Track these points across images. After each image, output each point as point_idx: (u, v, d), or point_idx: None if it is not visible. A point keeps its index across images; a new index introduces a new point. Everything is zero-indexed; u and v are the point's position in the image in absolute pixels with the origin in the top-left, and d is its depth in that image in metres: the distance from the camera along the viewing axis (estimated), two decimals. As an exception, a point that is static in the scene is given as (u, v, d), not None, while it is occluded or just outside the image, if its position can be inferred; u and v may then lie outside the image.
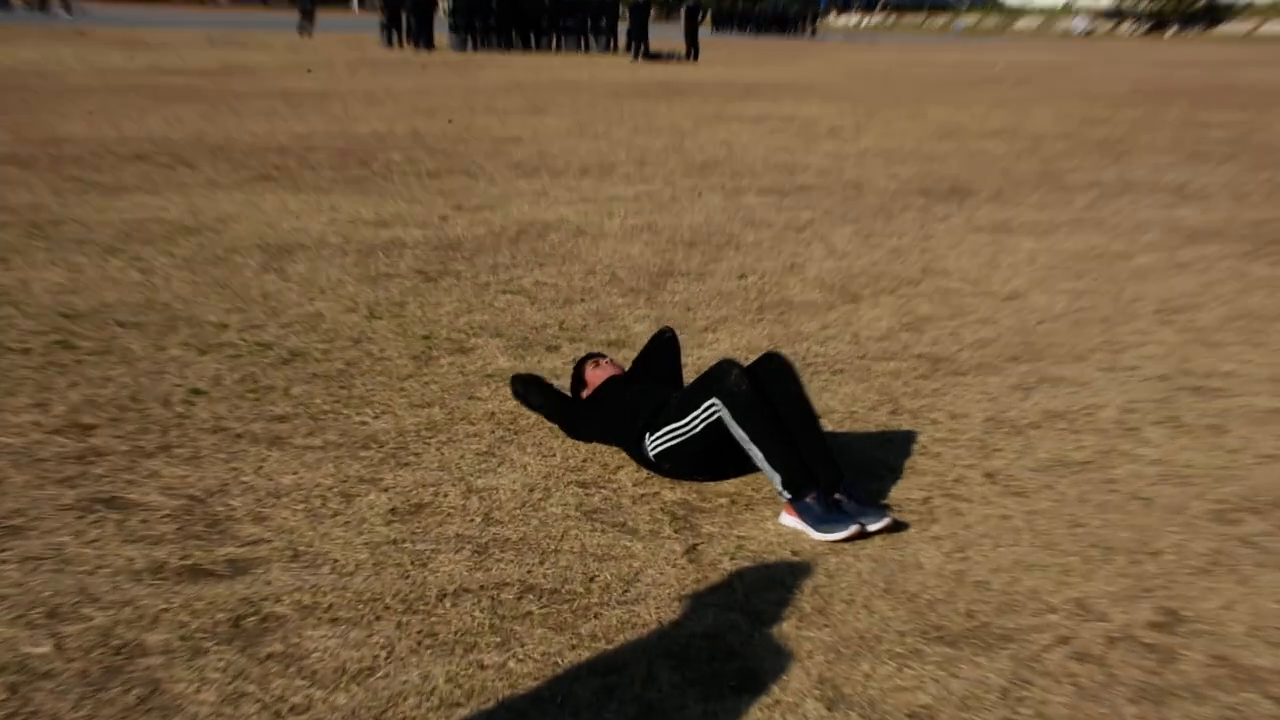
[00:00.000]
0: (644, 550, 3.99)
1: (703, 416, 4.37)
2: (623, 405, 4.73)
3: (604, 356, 5.17)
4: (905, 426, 5.20)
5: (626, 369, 5.13)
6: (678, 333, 5.37)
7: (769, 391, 4.37)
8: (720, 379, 4.34)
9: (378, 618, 3.54)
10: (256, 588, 3.69)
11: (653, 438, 4.53)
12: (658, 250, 8.71)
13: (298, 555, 3.91)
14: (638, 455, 4.66)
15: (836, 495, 4.21)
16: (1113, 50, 52.86)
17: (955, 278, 7.92)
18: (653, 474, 4.62)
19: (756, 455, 4.26)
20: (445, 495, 4.39)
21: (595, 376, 5.01)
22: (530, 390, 5.13)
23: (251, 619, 3.52)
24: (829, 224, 9.75)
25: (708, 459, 4.53)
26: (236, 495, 4.34)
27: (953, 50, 42.10)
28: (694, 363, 6.03)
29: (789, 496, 4.19)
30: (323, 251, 8.38)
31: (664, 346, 5.16)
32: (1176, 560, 3.97)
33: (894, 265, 8.26)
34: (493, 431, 5.05)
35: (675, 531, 4.15)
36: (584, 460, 4.78)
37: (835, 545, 4.04)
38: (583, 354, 5.43)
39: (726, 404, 4.28)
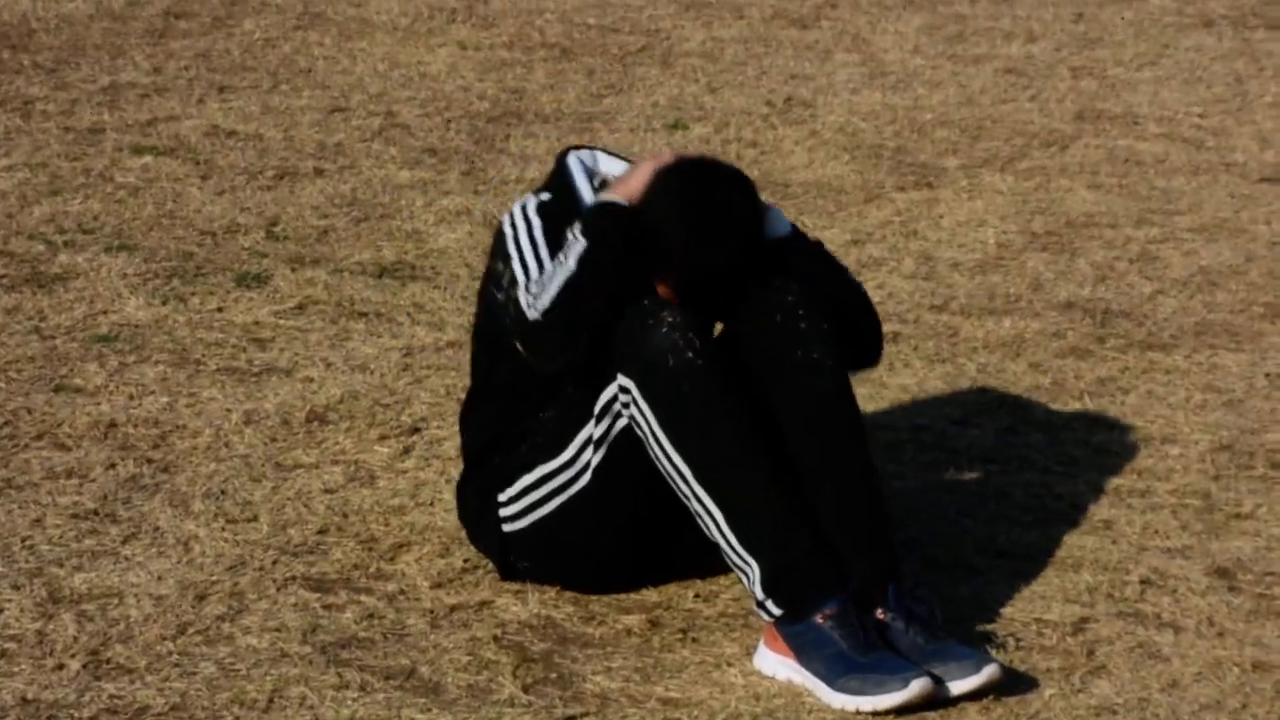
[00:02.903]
0: (454, 734, 4.04)
1: (596, 438, 4.39)
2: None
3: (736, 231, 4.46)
4: (1036, 459, 5.29)
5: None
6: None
7: (758, 369, 4.40)
8: (637, 333, 4.29)
9: None
10: None
11: (506, 497, 4.55)
12: (489, 63, 8.70)
13: None
14: (475, 529, 4.68)
15: (880, 613, 4.28)
16: None
17: (1151, 132, 8.03)
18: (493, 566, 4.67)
19: (708, 514, 4.29)
20: (1, 607, 4.37)
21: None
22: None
23: None
24: (870, 9, 9.83)
25: (613, 545, 4.55)
26: None
27: None
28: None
29: (776, 613, 4.24)
30: None
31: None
32: None
33: (1015, 103, 8.35)
34: (112, 464, 5.05)
35: (525, 689, 4.17)
36: (320, 529, 4.80)
37: (880, 722, 4.14)
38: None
39: (648, 390, 4.27)
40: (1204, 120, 8.21)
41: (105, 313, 5.96)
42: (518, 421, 4.60)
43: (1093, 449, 5.36)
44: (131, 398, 5.41)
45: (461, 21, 9.33)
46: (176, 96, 8.01)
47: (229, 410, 5.32)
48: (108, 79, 8.16)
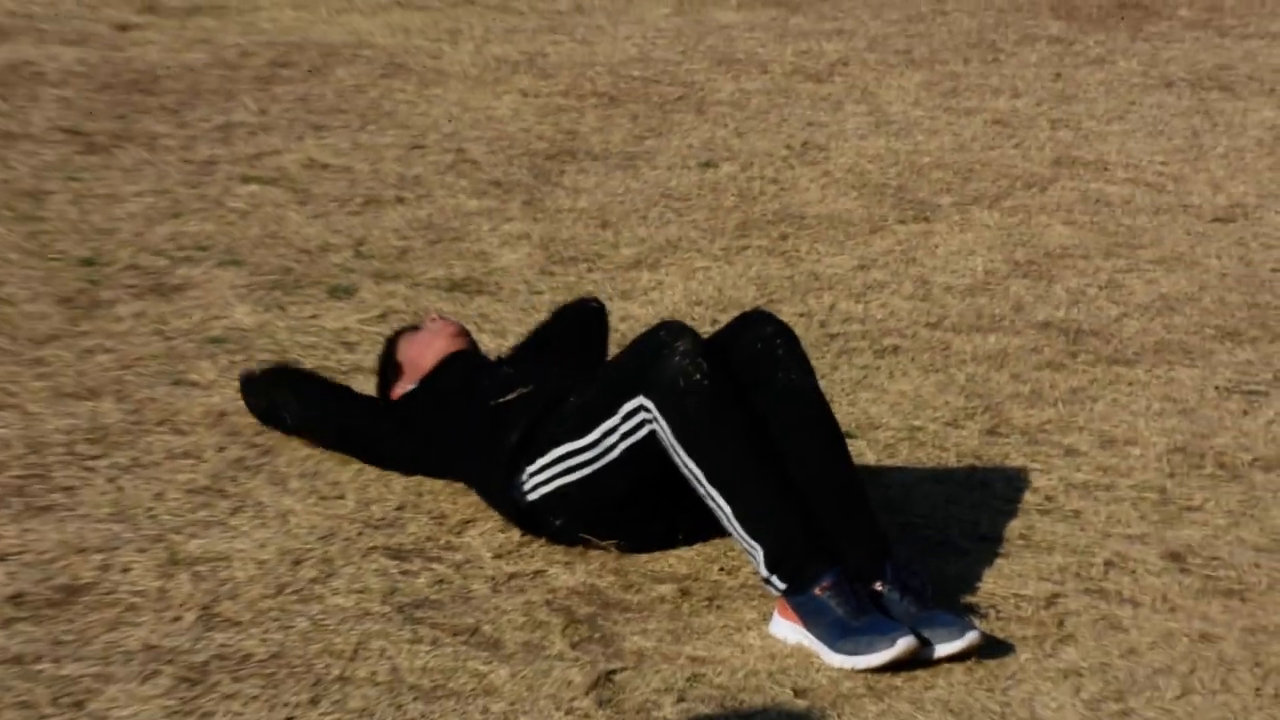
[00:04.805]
0: (513, 681, 4.04)
1: (622, 431, 4.45)
2: (473, 409, 4.79)
3: (439, 319, 5.24)
4: (1015, 460, 5.30)
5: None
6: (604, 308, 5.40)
7: (748, 390, 4.46)
8: (655, 360, 4.40)
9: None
10: None
11: (532, 470, 4.60)
12: (547, 108, 8.73)
13: None
14: (501, 500, 4.72)
15: (878, 585, 4.31)
16: None
17: (1119, 177, 8.04)
18: (529, 535, 4.69)
19: (720, 508, 4.35)
20: (125, 570, 4.41)
21: (420, 350, 5.07)
22: (283, 395, 5.14)
23: None
24: (876, 66, 9.84)
25: (633, 511, 4.61)
26: None
27: None
28: (617, 326, 6.08)
29: (781, 588, 4.28)
30: None
31: (580, 327, 5.24)
32: None
33: (1001, 150, 8.37)
34: (221, 448, 5.09)
35: (573, 646, 4.20)
36: (398, 507, 4.83)
37: (878, 680, 4.11)
38: (400, 326, 5.49)
39: (665, 408, 4.36)
40: (1165, 168, 8.22)
41: (217, 319, 6.01)
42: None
43: (1064, 449, 5.38)
44: (239, 391, 5.45)
45: (524, 72, 9.37)
46: (279, 134, 8.05)
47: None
48: (221, 119, 8.22)
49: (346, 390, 5.24)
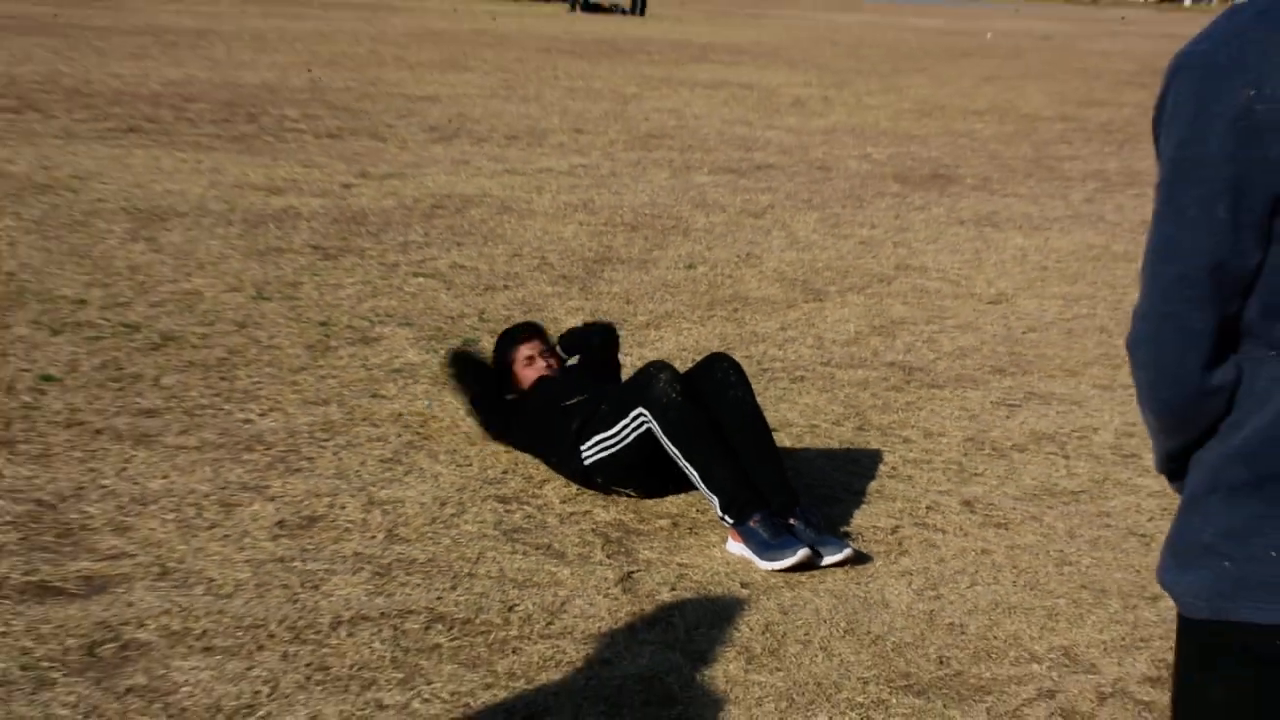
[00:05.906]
0: (571, 577, 4.03)
1: (631, 427, 4.47)
2: (555, 412, 4.78)
3: (534, 337, 5.15)
4: (873, 445, 5.28)
5: (562, 357, 5.18)
6: (617, 328, 5.43)
7: (711, 400, 4.47)
8: (646, 386, 4.44)
9: (260, 647, 3.54)
10: (116, 610, 3.67)
11: (585, 447, 4.62)
12: (594, 233, 8.76)
13: (166, 572, 3.89)
14: (569, 467, 4.73)
15: (790, 520, 4.30)
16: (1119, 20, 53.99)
17: (933, 276, 8.05)
18: (584, 490, 4.69)
19: (691, 474, 4.36)
20: (342, 508, 4.40)
21: (528, 376, 5.04)
22: (469, 372, 5.08)
23: (109, 646, 3.50)
24: (791, 209, 9.86)
25: (646, 472, 4.61)
26: (94, 501, 4.32)
27: (937, 15, 42.65)
28: (634, 363, 6.08)
29: (731, 521, 4.28)
30: (202, 219, 8.33)
31: (603, 338, 5.23)
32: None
33: (864, 259, 8.38)
34: (399, 435, 5.07)
35: (608, 556, 4.19)
36: (504, 472, 4.82)
37: (791, 578, 4.10)
38: (510, 326, 5.42)
39: (654, 415, 4.39)
40: (960, 272, 8.22)
41: (397, 357, 5.99)
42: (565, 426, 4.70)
43: (903, 439, 5.36)
44: (409, 401, 5.44)
45: (581, 211, 9.38)
46: (436, 248, 8.06)
47: (458, 408, 5.32)
48: (402, 239, 8.24)
49: (493, 385, 5.10)
